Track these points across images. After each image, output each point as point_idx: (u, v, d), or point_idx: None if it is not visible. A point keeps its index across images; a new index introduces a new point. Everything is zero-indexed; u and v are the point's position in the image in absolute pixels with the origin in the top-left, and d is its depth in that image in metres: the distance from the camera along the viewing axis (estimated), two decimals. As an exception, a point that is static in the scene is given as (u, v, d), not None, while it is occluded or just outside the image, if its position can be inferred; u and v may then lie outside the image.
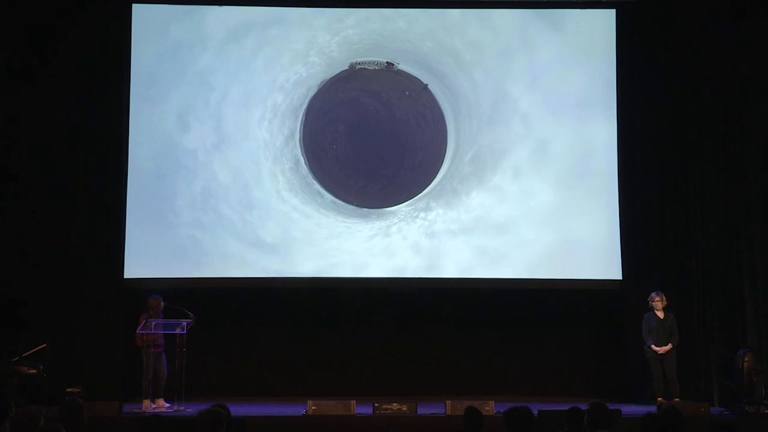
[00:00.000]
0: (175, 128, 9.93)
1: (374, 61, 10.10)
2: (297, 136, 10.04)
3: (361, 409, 8.35)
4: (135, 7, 9.98)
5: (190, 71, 10.00)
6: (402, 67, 10.08)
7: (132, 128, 9.84)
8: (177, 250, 9.78)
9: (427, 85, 9.99)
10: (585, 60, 10.06)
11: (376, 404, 8.36)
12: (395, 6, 10.17)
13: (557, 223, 9.89)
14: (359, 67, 10.10)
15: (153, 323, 8.57)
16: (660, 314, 9.19)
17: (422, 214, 9.98)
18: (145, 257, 9.74)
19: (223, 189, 9.91)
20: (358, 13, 10.14)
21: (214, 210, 9.87)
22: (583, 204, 9.93)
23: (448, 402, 8.32)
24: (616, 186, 9.92)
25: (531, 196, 9.97)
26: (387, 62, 10.09)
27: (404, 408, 8.32)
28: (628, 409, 8.48)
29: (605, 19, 10.11)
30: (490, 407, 8.16)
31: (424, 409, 8.41)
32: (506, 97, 10.07)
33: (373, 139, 10.13)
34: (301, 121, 10.03)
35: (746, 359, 8.96)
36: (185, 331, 8.54)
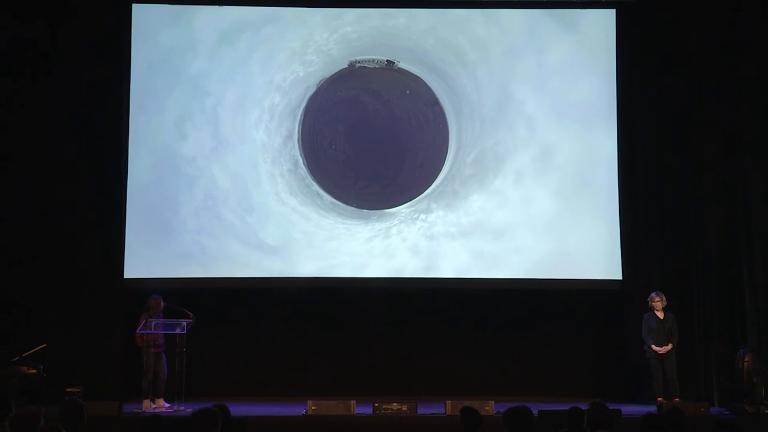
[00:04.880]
0: (173, 137, 9.84)
1: (374, 59, 10.03)
2: (295, 136, 9.96)
3: (361, 409, 8.34)
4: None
5: (184, 77, 9.90)
6: (403, 65, 10.01)
7: (131, 138, 9.80)
8: (179, 255, 9.74)
9: (438, 99, 9.91)
10: (595, 62, 9.94)
11: (376, 404, 8.36)
12: (392, 6, 10.09)
13: (557, 230, 9.82)
14: (359, 65, 10.03)
15: (153, 323, 8.57)
16: (660, 314, 9.18)
17: (422, 216, 9.92)
18: (146, 261, 9.71)
19: (223, 193, 9.85)
20: (357, 10, 10.04)
21: (215, 214, 9.81)
22: (584, 206, 9.87)
23: (448, 402, 8.31)
24: (617, 185, 9.88)
25: (531, 203, 9.88)
26: (387, 60, 10.02)
27: (404, 408, 8.31)
28: (628, 409, 8.48)
29: (612, 21, 10.01)
30: (490, 407, 8.16)
31: (424, 409, 8.41)
32: (511, 98, 9.95)
33: (373, 139, 10.06)
34: (300, 121, 9.96)
35: (746, 359, 8.96)
36: (185, 331, 8.54)
